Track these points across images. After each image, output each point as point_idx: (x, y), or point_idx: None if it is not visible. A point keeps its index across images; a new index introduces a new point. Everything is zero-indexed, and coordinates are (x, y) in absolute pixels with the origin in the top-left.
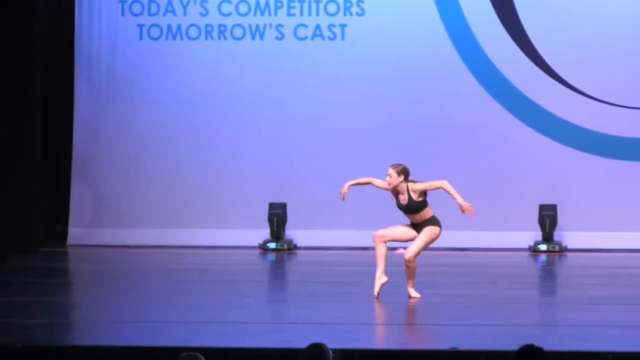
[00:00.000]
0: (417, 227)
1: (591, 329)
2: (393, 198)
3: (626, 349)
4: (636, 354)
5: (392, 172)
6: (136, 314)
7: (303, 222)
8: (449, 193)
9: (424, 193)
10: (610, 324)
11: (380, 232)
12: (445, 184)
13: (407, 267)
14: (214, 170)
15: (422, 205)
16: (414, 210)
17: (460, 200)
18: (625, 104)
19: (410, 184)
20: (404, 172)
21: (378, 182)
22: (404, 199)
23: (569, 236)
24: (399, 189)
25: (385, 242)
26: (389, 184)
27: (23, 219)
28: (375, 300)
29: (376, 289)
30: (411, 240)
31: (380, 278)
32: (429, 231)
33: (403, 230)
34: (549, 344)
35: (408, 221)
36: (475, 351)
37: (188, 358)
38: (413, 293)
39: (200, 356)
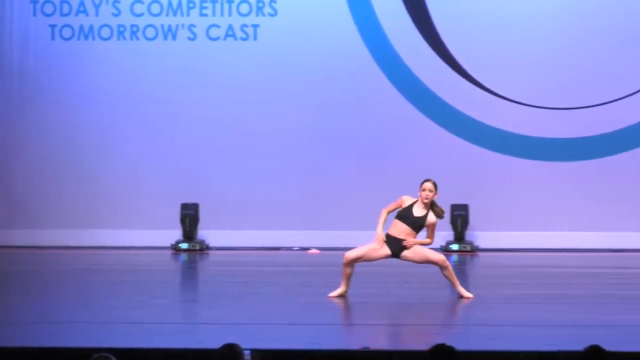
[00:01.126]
0: (393, 242)
1: (503, 328)
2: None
3: (537, 348)
4: (547, 353)
5: (432, 186)
6: (48, 315)
7: (215, 222)
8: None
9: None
10: (521, 324)
11: (352, 254)
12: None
13: (444, 270)
14: (126, 171)
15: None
16: (418, 227)
17: (425, 241)
18: (536, 104)
19: (437, 208)
20: (437, 188)
21: (393, 206)
22: (419, 212)
23: (481, 236)
24: (424, 203)
25: (354, 264)
26: (426, 197)
27: None
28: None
29: (334, 293)
30: (382, 258)
31: (342, 292)
32: (419, 245)
33: (372, 249)
34: (460, 343)
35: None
36: (387, 351)
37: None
38: (465, 293)
39: (112, 357)
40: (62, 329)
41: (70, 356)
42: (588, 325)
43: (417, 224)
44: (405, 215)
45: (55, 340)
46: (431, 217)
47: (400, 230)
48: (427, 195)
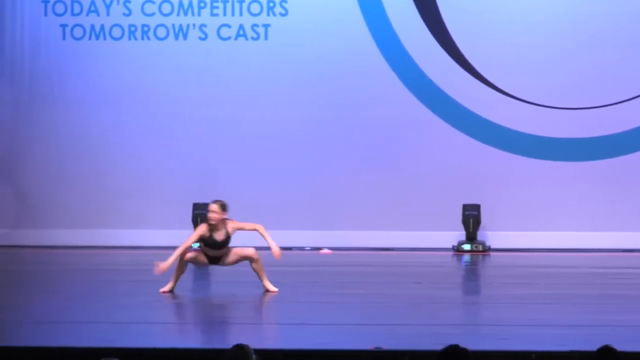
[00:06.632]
0: (215, 259)
1: (514, 328)
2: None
3: (549, 348)
4: (559, 353)
5: (216, 207)
6: (58, 314)
7: None
8: (263, 236)
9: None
10: (533, 323)
11: (189, 254)
12: (260, 227)
13: (253, 263)
14: (138, 171)
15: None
16: (226, 245)
17: (273, 244)
18: (548, 104)
19: (229, 221)
20: (226, 208)
21: (194, 237)
22: (220, 234)
23: (492, 236)
24: (219, 224)
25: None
26: (212, 220)
27: None
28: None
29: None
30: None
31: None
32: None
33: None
34: (472, 344)
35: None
36: (399, 351)
37: None
38: (271, 287)
39: None
40: (72, 329)
41: (79, 356)
42: (600, 325)
43: (225, 244)
44: (213, 243)
45: (64, 340)
46: (230, 231)
47: (217, 254)
48: (214, 217)
